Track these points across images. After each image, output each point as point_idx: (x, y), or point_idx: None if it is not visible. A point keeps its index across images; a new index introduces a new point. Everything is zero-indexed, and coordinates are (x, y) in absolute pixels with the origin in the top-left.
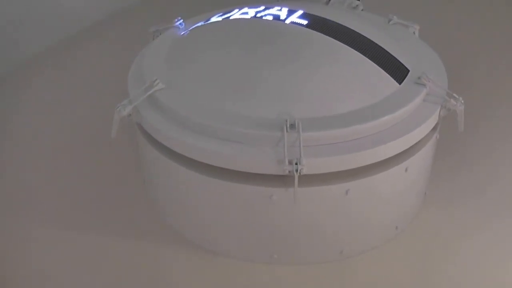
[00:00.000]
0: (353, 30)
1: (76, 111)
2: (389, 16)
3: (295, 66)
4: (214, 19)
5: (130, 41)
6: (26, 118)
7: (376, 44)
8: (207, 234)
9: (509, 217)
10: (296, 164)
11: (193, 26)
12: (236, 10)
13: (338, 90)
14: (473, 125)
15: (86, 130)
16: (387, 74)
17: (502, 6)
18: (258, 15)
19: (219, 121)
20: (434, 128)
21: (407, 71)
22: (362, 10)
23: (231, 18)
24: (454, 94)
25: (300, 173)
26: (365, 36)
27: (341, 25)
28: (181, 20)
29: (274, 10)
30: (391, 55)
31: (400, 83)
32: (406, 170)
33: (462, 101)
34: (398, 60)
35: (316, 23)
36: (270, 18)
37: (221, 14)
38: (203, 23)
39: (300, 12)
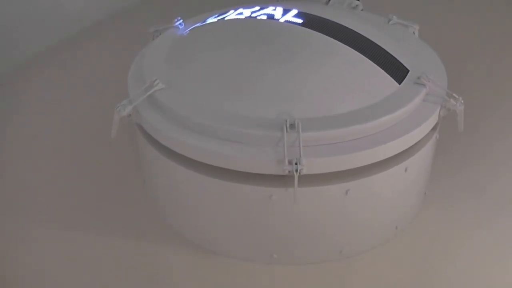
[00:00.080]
0: (353, 30)
1: (76, 111)
2: (389, 16)
3: (295, 66)
4: (210, 20)
5: (130, 41)
6: (26, 118)
7: (376, 44)
8: (207, 234)
9: (509, 217)
10: (296, 164)
11: (193, 26)
12: (232, 11)
13: (337, 90)
14: (473, 125)
15: (86, 130)
16: (387, 74)
17: (502, 6)
18: (253, 14)
19: (219, 121)
20: (434, 128)
21: (406, 71)
22: (361, 10)
23: (230, 18)
24: (454, 94)
25: (300, 173)
26: (364, 36)
27: (341, 25)
28: (181, 20)
29: (270, 10)
30: (391, 55)
31: (399, 83)
32: (406, 170)
33: (462, 101)
34: (398, 60)
35: (316, 23)
36: (269, 18)
37: (216, 15)
38: (203, 23)
39: (300, 12)
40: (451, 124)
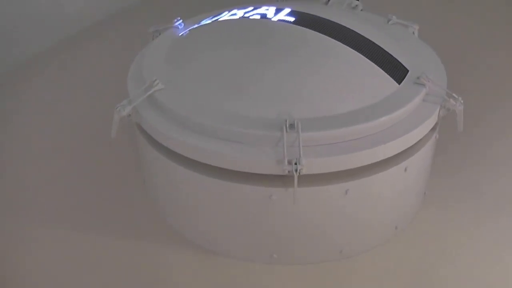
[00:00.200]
0: (353, 30)
1: (76, 111)
2: (389, 16)
3: (295, 66)
4: (205, 21)
5: (130, 41)
6: (26, 118)
7: (375, 44)
8: (207, 234)
9: (508, 217)
10: (296, 164)
11: (193, 27)
12: (226, 12)
13: (337, 90)
14: (472, 125)
15: (86, 130)
16: (387, 74)
17: (502, 6)
18: (246, 14)
19: (218, 121)
20: (434, 128)
21: (406, 71)
22: (361, 10)
23: (229, 18)
24: (454, 94)
25: (299, 173)
26: (364, 36)
27: (341, 25)
28: (181, 21)
29: (268, 10)
30: (391, 55)
31: (399, 83)
32: (405, 170)
33: (462, 101)
34: (398, 60)
35: (316, 23)
36: (269, 18)
37: (211, 17)
38: (202, 24)
39: (300, 12)
40: (450, 124)
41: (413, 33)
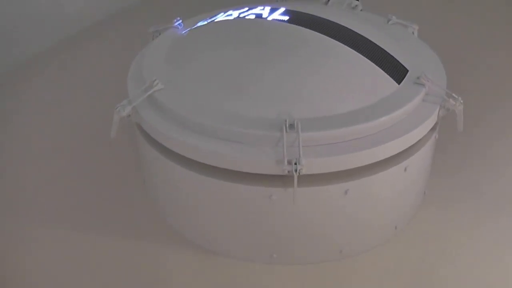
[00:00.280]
0: (352, 30)
1: (76, 111)
2: (388, 16)
3: (295, 66)
4: (201, 23)
5: (130, 41)
6: (26, 118)
7: (375, 44)
8: (207, 234)
9: (508, 217)
10: (296, 164)
11: (192, 27)
12: (221, 13)
13: (337, 90)
14: (472, 125)
15: (86, 130)
16: (386, 74)
17: (502, 6)
18: (242, 15)
19: (218, 121)
20: (433, 128)
21: (406, 71)
22: (361, 10)
23: (228, 19)
24: (453, 94)
25: (299, 173)
26: (364, 36)
27: (340, 25)
28: (180, 21)
29: (261, 10)
30: (390, 55)
31: (399, 83)
32: (405, 170)
33: (461, 101)
34: (397, 60)
35: (315, 23)
36: (268, 18)
37: (208, 18)
38: (202, 24)
39: (299, 12)
40: (450, 124)
41: (413, 33)
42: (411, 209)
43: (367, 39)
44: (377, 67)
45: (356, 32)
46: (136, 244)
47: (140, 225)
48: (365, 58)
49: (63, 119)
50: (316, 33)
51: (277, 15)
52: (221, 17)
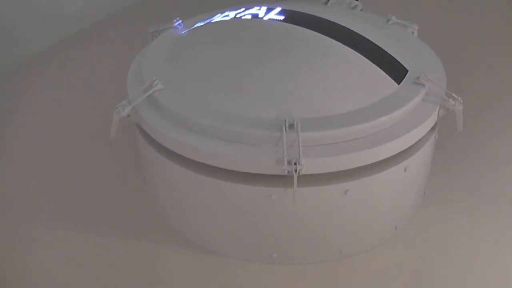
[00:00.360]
0: (352, 30)
1: (76, 111)
2: (388, 16)
3: (294, 66)
4: (198, 24)
5: (130, 41)
6: (26, 118)
7: (375, 44)
8: (207, 234)
9: (508, 217)
10: (295, 164)
11: (192, 27)
12: (218, 14)
13: (337, 90)
14: (472, 125)
15: (86, 130)
16: (386, 74)
17: (502, 6)
18: (239, 15)
19: (218, 121)
20: (433, 128)
21: (405, 71)
22: (361, 10)
23: (227, 19)
24: (453, 94)
25: (299, 173)
26: (363, 36)
27: (340, 25)
28: (180, 21)
29: (254, 10)
30: (390, 55)
31: (399, 83)
32: (405, 170)
33: (461, 101)
34: (397, 60)
35: (315, 23)
36: (268, 18)
37: (206, 19)
38: (201, 24)
39: (299, 12)
40: (450, 124)
41: (413, 33)
42: (411, 209)
43: (367, 39)
44: (376, 67)
45: (355, 32)
46: (136, 244)
47: (140, 225)
48: (365, 58)
49: (63, 119)
50: (316, 33)
51: (276, 15)
52: (218, 17)
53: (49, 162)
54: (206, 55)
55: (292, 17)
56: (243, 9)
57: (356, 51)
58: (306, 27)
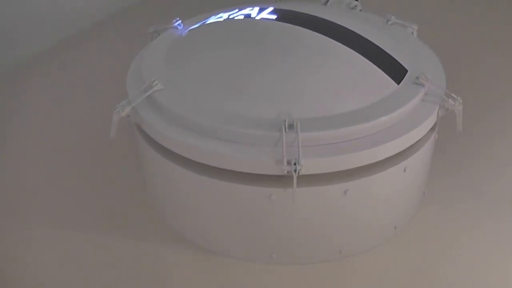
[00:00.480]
0: (351, 30)
1: (76, 111)
2: (388, 16)
3: (294, 66)
4: (194, 27)
5: (130, 41)
6: (26, 118)
7: (374, 44)
8: (207, 234)
9: (508, 217)
10: (295, 164)
11: (192, 27)
12: (212, 16)
13: (336, 90)
14: (471, 125)
15: (86, 130)
16: (386, 74)
17: (502, 6)
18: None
19: (217, 121)
20: (433, 128)
21: (405, 71)
22: (360, 10)
23: (229, 19)
24: (453, 94)
25: (298, 173)
26: (363, 36)
27: (339, 25)
28: (180, 21)
29: (248, 11)
30: (389, 55)
31: (398, 83)
32: (404, 170)
33: (461, 101)
34: (397, 60)
35: (315, 23)
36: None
37: (200, 22)
38: (201, 24)
39: (298, 12)
40: (449, 124)
41: (412, 33)
42: (410, 209)
43: (366, 39)
44: (376, 67)
45: (355, 32)
46: (136, 244)
47: (140, 225)
48: (365, 58)
49: (63, 119)
50: (315, 33)
51: (276, 15)
52: (212, 19)
53: (49, 162)
54: (205, 55)
55: (291, 17)
56: (236, 10)
57: (356, 51)
58: (305, 27)
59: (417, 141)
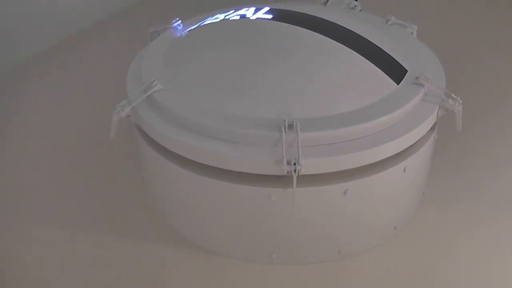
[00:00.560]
0: (351, 31)
1: (76, 111)
2: (387, 16)
3: (294, 66)
4: (192, 27)
5: (130, 41)
6: (26, 118)
7: (374, 44)
8: (206, 234)
9: (508, 217)
10: (295, 164)
11: (192, 27)
12: (209, 17)
13: (336, 90)
14: (471, 125)
15: (86, 130)
16: (385, 75)
17: (502, 6)
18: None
19: (217, 122)
20: (432, 128)
21: (405, 71)
22: (360, 10)
23: (229, 19)
24: (452, 94)
25: (298, 173)
26: (363, 37)
27: (339, 25)
28: (179, 21)
29: (262, 11)
30: (389, 55)
31: (398, 83)
32: (404, 170)
33: (460, 101)
34: (396, 61)
35: (314, 24)
36: (268, 18)
37: (198, 23)
38: (201, 24)
39: (298, 12)
40: (449, 124)
41: (412, 33)
42: (410, 209)
43: (366, 39)
44: (376, 67)
45: (355, 33)
46: (136, 244)
47: (140, 225)
48: (364, 59)
49: (63, 119)
50: (315, 33)
51: (275, 15)
52: (209, 20)
53: (49, 162)
54: (205, 55)
55: (290, 17)
56: (232, 10)
57: (356, 51)
58: (305, 27)
59: (417, 141)
